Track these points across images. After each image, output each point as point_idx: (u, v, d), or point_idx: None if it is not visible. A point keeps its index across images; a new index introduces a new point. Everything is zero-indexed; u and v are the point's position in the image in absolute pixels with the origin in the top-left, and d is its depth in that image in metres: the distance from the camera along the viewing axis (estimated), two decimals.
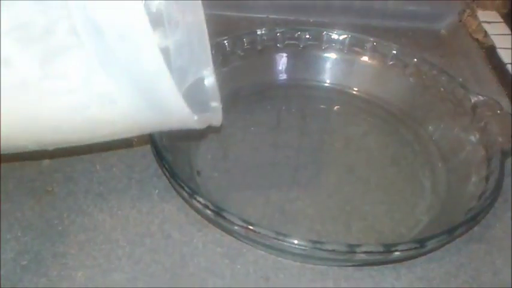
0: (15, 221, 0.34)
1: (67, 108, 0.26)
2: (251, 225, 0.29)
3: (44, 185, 0.37)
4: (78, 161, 0.39)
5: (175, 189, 0.33)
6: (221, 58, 0.45)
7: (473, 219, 0.32)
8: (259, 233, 0.29)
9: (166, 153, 0.34)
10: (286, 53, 0.48)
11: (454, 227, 0.31)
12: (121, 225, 0.34)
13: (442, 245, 0.32)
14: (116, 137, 0.31)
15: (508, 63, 0.52)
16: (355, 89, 0.47)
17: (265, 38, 0.47)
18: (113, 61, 0.24)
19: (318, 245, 0.29)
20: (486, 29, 0.57)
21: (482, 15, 0.59)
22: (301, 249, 0.29)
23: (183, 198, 0.33)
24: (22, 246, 0.33)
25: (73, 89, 0.25)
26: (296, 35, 0.48)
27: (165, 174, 0.33)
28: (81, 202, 0.36)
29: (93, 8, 0.23)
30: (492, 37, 0.56)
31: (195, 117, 0.28)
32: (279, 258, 0.33)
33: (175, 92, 0.25)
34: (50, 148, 0.32)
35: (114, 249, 0.33)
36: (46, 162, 0.38)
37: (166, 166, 0.33)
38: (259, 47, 0.47)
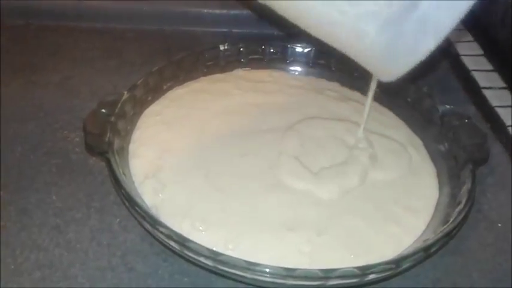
0: None
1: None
2: (219, 256, 0.28)
3: None
4: (32, 192, 0.37)
5: (136, 219, 0.31)
6: (183, 75, 0.44)
7: (449, 234, 0.31)
8: (228, 263, 0.28)
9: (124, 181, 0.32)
10: (249, 67, 0.47)
11: (430, 244, 0.30)
12: (80, 259, 0.33)
13: (419, 263, 0.31)
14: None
15: (472, 70, 0.52)
16: None
17: (228, 53, 0.46)
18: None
19: (291, 272, 0.27)
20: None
21: None
22: (272, 278, 0.28)
23: (146, 229, 0.31)
24: None
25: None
26: (260, 49, 0.47)
27: (124, 204, 0.31)
28: (36, 236, 0.34)
29: None
30: (454, 44, 0.56)
31: None
32: None
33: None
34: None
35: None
36: None
37: (125, 195, 0.31)
38: (222, 63, 0.46)
